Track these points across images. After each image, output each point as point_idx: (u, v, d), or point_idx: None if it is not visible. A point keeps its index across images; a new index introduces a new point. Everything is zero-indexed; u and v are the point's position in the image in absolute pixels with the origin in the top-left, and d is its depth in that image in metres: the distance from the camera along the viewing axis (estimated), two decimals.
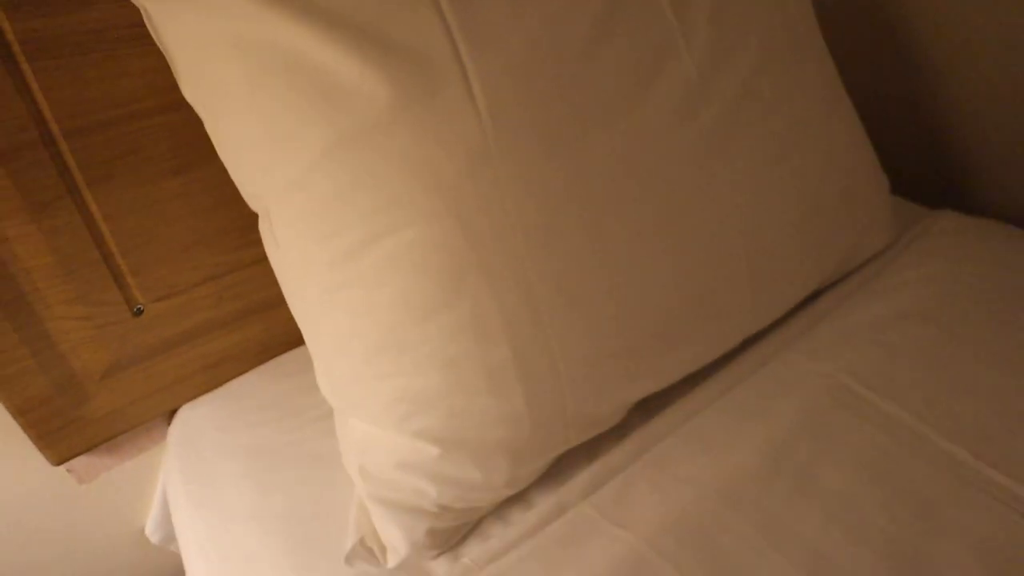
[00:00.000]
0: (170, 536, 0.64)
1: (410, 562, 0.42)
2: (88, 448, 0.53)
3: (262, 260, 0.55)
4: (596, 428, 0.47)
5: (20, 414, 0.48)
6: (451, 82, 0.38)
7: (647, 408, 0.52)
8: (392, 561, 0.42)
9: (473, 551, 0.43)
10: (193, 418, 0.57)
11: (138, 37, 0.45)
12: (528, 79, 0.41)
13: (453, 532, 0.44)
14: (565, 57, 0.43)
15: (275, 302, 0.59)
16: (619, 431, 0.50)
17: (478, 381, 0.40)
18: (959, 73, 0.86)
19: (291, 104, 0.37)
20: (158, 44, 0.41)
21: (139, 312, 0.51)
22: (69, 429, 0.51)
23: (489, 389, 0.40)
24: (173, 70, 0.42)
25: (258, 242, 0.49)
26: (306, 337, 0.45)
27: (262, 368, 0.61)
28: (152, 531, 0.63)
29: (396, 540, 0.41)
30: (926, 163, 0.93)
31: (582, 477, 0.47)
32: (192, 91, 0.42)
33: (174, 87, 0.42)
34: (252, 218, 0.45)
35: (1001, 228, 0.74)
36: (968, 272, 0.66)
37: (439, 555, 0.43)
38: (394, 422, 0.40)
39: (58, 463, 0.52)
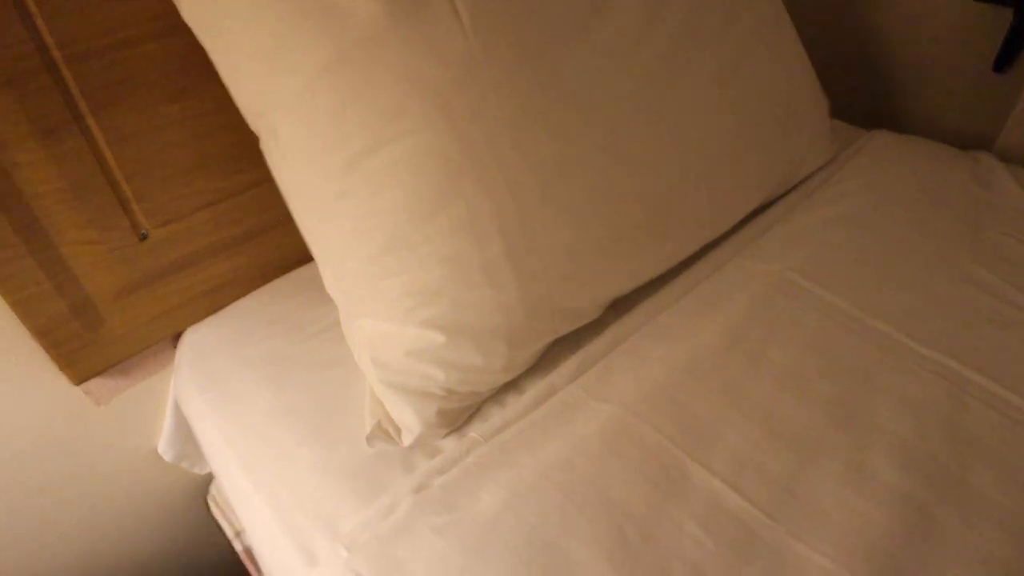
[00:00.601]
0: (182, 454, 0.68)
1: (423, 440, 0.49)
2: (104, 368, 0.57)
3: (256, 185, 0.59)
4: (580, 320, 0.54)
5: (41, 335, 0.51)
6: (439, 4, 0.42)
7: (621, 308, 0.59)
8: (407, 440, 0.48)
9: (477, 429, 0.49)
10: (200, 338, 0.61)
11: None
12: (505, 8, 0.45)
13: (459, 413, 0.50)
14: None
15: (269, 226, 0.62)
16: (598, 327, 0.57)
17: (476, 275, 0.45)
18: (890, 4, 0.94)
19: (293, 21, 0.41)
20: None
21: (144, 237, 0.54)
22: (87, 350, 0.54)
23: (486, 282, 0.45)
24: None
25: (252, 168, 0.52)
26: (313, 247, 0.49)
27: (258, 292, 0.64)
28: (165, 449, 0.67)
29: (410, 421, 0.47)
30: (862, 88, 1.02)
31: (568, 365, 0.54)
32: (193, 13, 0.44)
33: (171, 11, 0.44)
34: (246, 145, 0.49)
35: (927, 144, 0.83)
36: (898, 183, 0.75)
37: (448, 434, 0.50)
38: (401, 315, 0.46)
39: (78, 383, 0.56)
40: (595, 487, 0.44)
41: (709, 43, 0.61)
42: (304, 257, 0.64)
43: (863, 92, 1.05)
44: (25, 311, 0.49)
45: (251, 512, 0.51)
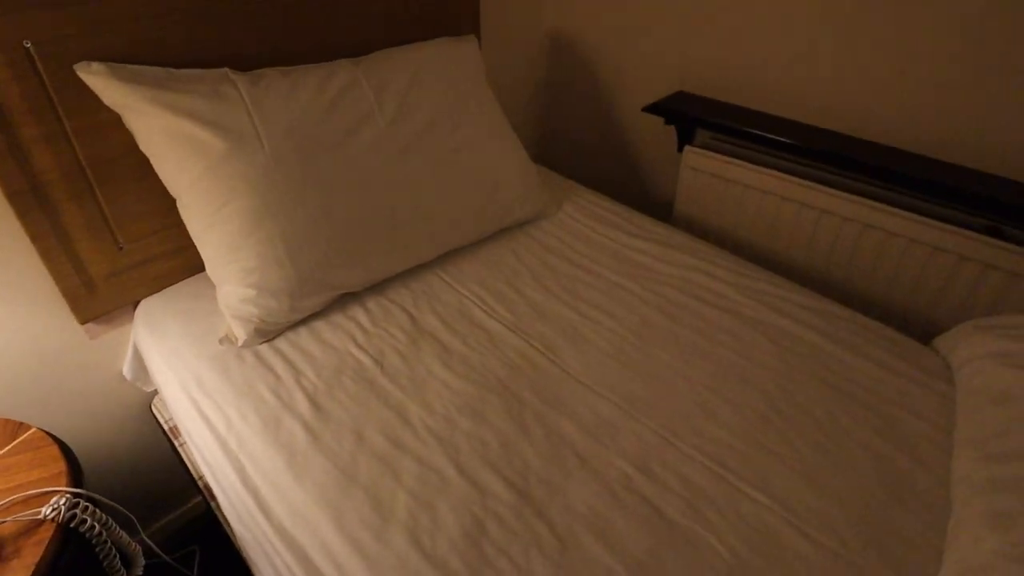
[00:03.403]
0: (137, 376, 1.21)
1: (248, 344, 1.02)
2: (96, 316, 1.11)
3: (180, 224, 1.14)
4: (344, 289, 1.09)
5: (65, 294, 1.05)
6: (251, 139, 0.99)
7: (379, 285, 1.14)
8: (240, 343, 1.02)
9: (281, 340, 1.03)
10: (150, 304, 1.15)
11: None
12: (291, 134, 1.02)
13: (269, 332, 1.04)
14: (311, 122, 1.04)
15: (185, 247, 1.17)
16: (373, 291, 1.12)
17: (271, 263, 1.00)
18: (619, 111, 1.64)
19: (183, 151, 0.97)
20: (127, 126, 1.00)
21: (121, 248, 1.09)
22: (88, 303, 1.09)
23: (276, 267, 1.00)
24: (135, 137, 1.00)
25: (177, 216, 1.07)
26: (202, 253, 1.04)
27: (185, 281, 1.19)
28: (127, 372, 1.21)
29: (239, 334, 1.01)
30: (602, 165, 1.70)
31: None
32: (143, 146, 1.01)
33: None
34: (172, 205, 1.04)
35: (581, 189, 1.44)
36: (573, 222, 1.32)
37: (264, 342, 1.03)
38: (236, 281, 1.00)
39: (82, 323, 1.10)
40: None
41: (439, 140, 1.19)
42: None
43: (601, 164, 1.70)
44: (57, 279, 1.04)
45: (174, 403, 1.03)
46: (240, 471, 0.85)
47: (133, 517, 1.18)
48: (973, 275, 1.13)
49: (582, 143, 1.89)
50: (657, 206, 1.75)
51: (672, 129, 1.55)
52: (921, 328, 1.23)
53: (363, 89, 1.15)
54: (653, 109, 1.49)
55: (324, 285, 1.06)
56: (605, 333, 1.07)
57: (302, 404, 0.92)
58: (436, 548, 0.73)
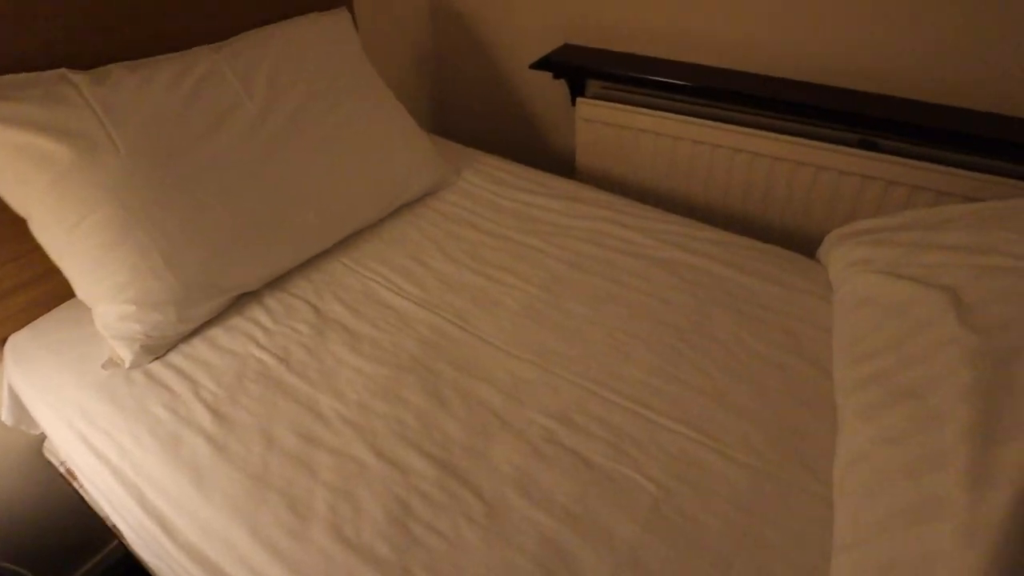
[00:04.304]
0: (19, 419, 1.12)
1: (136, 364, 0.96)
2: None
3: (38, 247, 1.05)
4: (238, 291, 1.03)
5: None
6: (102, 143, 0.92)
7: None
8: (126, 365, 0.95)
9: (173, 354, 0.97)
10: (18, 340, 1.05)
11: None
12: (147, 133, 0.95)
13: (157, 348, 0.97)
14: (169, 118, 0.98)
15: (49, 273, 1.07)
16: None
17: (147, 274, 0.94)
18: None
19: (23, 165, 0.89)
20: None
21: None
22: None
23: (153, 278, 0.94)
24: None
25: (32, 239, 0.99)
26: (67, 274, 0.96)
27: (55, 310, 1.10)
28: (6, 417, 1.11)
29: (124, 354, 0.95)
30: (496, 125, 1.68)
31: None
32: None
33: None
34: (24, 226, 0.95)
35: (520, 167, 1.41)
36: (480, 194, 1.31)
37: (154, 360, 0.97)
38: (112, 298, 0.93)
39: None
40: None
41: (317, 121, 1.14)
42: None
43: (498, 128, 1.69)
44: None
45: (62, 441, 0.95)
46: (140, 499, 0.80)
47: None
48: (854, 188, 1.20)
49: (476, 109, 1.88)
50: (559, 162, 1.76)
51: (564, 83, 1.55)
52: (817, 245, 1.30)
53: (226, 76, 1.08)
54: (540, 65, 1.48)
55: (214, 289, 1.00)
56: (515, 294, 1.07)
57: (203, 416, 0.87)
58: (361, 537, 0.71)
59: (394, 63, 1.72)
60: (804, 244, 1.32)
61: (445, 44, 1.81)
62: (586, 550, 0.70)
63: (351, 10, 1.48)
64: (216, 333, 1.02)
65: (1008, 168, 1.08)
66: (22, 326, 1.07)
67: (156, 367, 0.96)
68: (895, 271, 0.87)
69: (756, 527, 0.71)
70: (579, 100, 1.49)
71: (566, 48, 1.53)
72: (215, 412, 0.87)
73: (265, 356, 0.96)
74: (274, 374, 0.93)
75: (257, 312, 1.05)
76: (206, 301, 1.00)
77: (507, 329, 1.00)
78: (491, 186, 1.37)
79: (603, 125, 1.48)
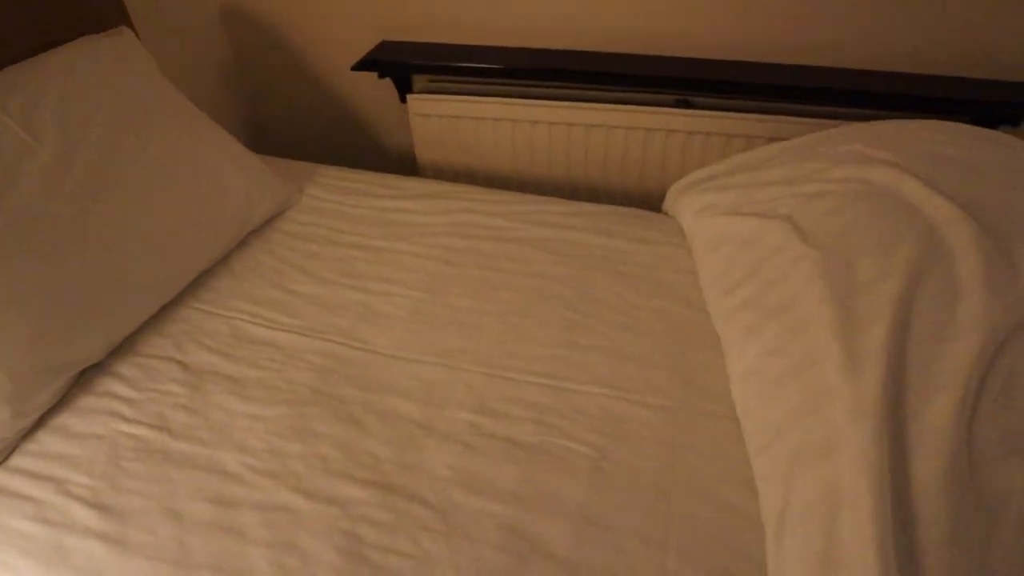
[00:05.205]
0: None
1: None
2: None
3: None
4: (83, 364, 0.90)
5: None
6: None
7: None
8: None
9: (18, 458, 0.83)
10: None
11: None
12: None
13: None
14: None
15: None
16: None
17: None
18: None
19: None
20: None
21: None
22: None
23: None
24: None
25: None
26: None
27: None
28: None
29: None
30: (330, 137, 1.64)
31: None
32: None
33: None
34: None
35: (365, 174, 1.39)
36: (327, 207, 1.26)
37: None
38: None
39: None
40: None
41: (132, 159, 1.02)
42: None
43: (328, 137, 1.64)
44: None
45: None
46: None
47: None
48: (679, 144, 1.36)
49: (300, 120, 1.79)
50: (400, 162, 1.75)
51: (390, 82, 1.54)
52: (660, 200, 1.46)
53: (1, 121, 0.93)
54: (362, 66, 1.46)
55: (49, 372, 0.87)
56: (399, 301, 1.06)
57: (84, 516, 0.76)
58: None
59: (193, 83, 1.58)
60: (648, 201, 1.47)
61: (249, 55, 1.70)
62: (544, 524, 0.73)
63: (132, 27, 1.33)
64: (66, 420, 0.88)
65: (799, 109, 1.29)
66: None
67: (2, 478, 0.82)
68: (738, 211, 1.01)
69: (682, 457, 0.80)
70: (409, 97, 1.49)
71: (384, 45, 1.52)
72: (98, 507, 0.77)
73: (138, 430, 0.86)
74: (156, 446, 0.84)
75: (111, 384, 0.93)
76: (43, 387, 0.87)
77: (402, 338, 1.00)
78: (339, 197, 1.33)
79: (438, 118, 1.50)
